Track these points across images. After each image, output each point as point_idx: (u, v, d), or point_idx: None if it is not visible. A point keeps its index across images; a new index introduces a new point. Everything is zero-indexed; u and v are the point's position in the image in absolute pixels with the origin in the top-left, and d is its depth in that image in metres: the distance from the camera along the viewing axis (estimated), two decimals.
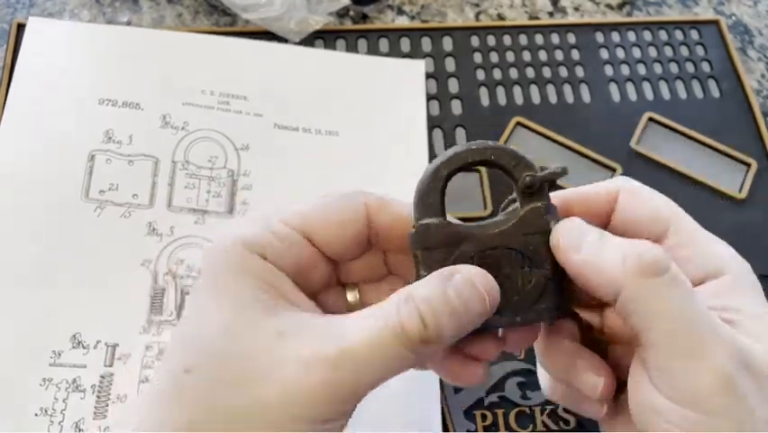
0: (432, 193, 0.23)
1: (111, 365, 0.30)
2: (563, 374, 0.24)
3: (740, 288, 0.22)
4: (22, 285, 0.31)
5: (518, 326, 0.23)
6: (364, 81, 0.40)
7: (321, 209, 0.23)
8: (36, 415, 0.29)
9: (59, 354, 0.30)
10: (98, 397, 0.30)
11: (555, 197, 0.24)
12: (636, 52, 0.44)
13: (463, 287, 0.20)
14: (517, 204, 0.23)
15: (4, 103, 0.39)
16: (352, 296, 0.25)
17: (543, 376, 0.27)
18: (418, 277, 0.22)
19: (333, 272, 0.24)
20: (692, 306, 0.20)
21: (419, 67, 0.41)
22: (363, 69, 0.40)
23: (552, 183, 0.23)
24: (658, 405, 0.21)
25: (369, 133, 0.38)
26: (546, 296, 0.23)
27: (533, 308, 0.22)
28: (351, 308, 0.24)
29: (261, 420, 0.19)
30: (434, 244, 0.22)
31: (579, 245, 0.22)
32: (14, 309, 0.30)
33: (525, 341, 0.24)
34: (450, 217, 0.23)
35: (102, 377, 0.30)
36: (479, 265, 0.22)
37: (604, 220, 0.24)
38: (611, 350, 0.25)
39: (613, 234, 0.22)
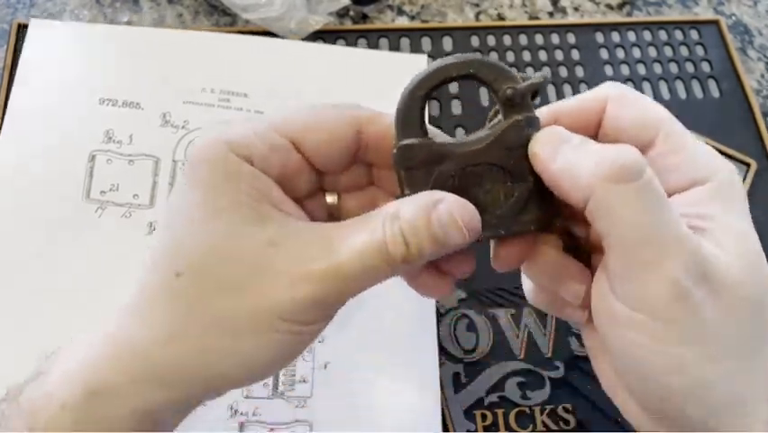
0: (412, 112, 0.23)
1: None
2: (547, 282, 0.24)
3: (720, 197, 0.22)
4: (22, 285, 0.31)
5: (502, 237, 0.23)
6: (365, 76, 0.40)
7: (312, 117, 0.23)
8: None
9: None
10: None
11: (543, 111, 0.24)
12: (636, 52, 0.45)
13: (446, 218, 0.21)
14: (500, 116, 0.23)
15: (5, 103, 0.39)
16: (331, 198, 0.24)
17: (526, 283, 0.27)
18: (402, 195, 0.22)
19: (317, 181, 0.24)
20: (660, 214, 0.20)
21: (421, 61, 0.41)
22: (364, 63, 0.40)
23: (534, 94, 0.23)
24: (614, 310, 0.21)
25: None
26: (529, 208, 0.23)
27: (516, 220, 0.23)
28: (331, 211, 0.24)
29: (248, 324, 0.20)
30: (415, 164, 0.22)
31: (556, 154, 0.22)
32: (15, 309, 0.31)
33: (513, 257, 0.24)
34: (435, 131, 0.23)
35: None
36: (460, 182, 0.22)
37: (593, 130, 0.24)
38: (594, 259, 0.25)
39: (595, 142, 0.22)
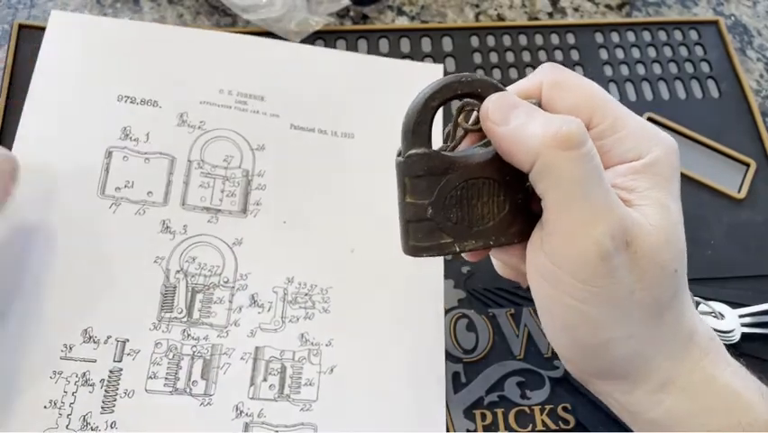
0: (421, 123, 0.24)
1: (120, 360, 0.30)
2: (513, 262, 0.26)
3: (649, 172, 0.24)
4: (36, 278, 0.31)
5: (489, 249, 0.25)
6: (382, 84, 0.40)
7: None
8: (45, 407, 0.29)
9: (71, 348, 0.30)
10: (106, 391, 0.30)
11: (491, 98, 0.24)
12: (636, 53, 0.45)
13: None
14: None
15: (6, 103, 0.39)
16: None
17: (495, 258, 0.29)
18: (404, 202, 0.24)
19: None
20: (595, 182, 0.22)
21: (437, 71, 0.41)
22: (381, 71, 0.40)
23: None
24: (541, 264, 0.23)
25: (384, 136, 0.38)
26: (517, 220, 0.25)
27: (504, 232, 0.24)
28: None
29: None
30: (422, 173, 0.24)
31: (507, 118, 0.23)
32: (28, 302, 0.31)
33: (483, 255, 0.28)
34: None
35: (111, 372, 0.30)
36: (462, 193, 0.24)
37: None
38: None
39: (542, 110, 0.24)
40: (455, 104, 0.25)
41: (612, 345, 0.23)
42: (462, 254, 0.25)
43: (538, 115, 0.23)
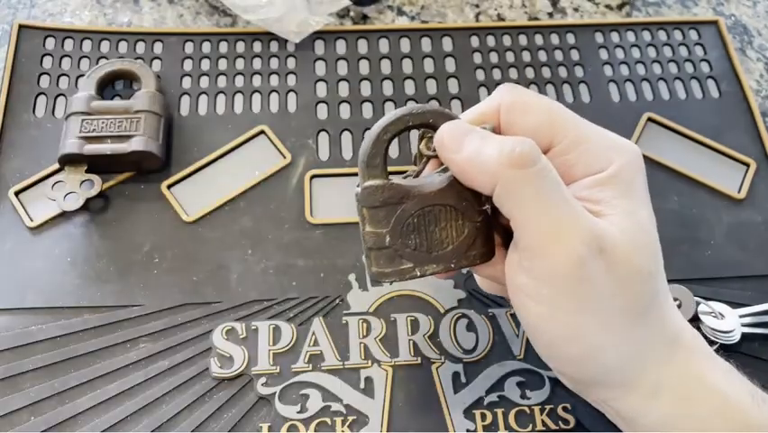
0: (375, 156, 0.25)
1: None
2: (492, 277, 0.27)
3: (612, 182, 0.24)
4: None
5: (453, 271, 0.26)
6: None
7: None
8: None
9: None
10: None
11: (450, 124, 0.25)
12: (636, 53, 0.45)
13: None
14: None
15: (6, 103, 0.39)
16: None
17: (476, 276, 0.30)
18: (364, 231, 0.25)
19: None
20: (556, 195, 0.23)
21: None
22: None
23: None
24: (521, 282, 0.24)
25: None
26: (476, 244, 0.26)
27: (464, 255, 0.26)
28: None
29: None
30: (378, 204, 0.25)
31: (461, 144, 0.24)
32: None
33: (452, 275, 0.29)
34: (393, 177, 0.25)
35: None
36: (418, 221, 0.25)
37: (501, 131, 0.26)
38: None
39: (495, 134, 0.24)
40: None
41: (599, 352, 0.24)
42: (429, 275, 0.26)
43: (491, 139, 0.24)
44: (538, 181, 0.23)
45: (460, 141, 0.24)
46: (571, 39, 0.45)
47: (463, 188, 0.25)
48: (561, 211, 0.23)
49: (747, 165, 0.40)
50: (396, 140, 0.40)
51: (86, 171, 0.36)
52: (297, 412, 0.31)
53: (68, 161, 0.36)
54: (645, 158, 0.40)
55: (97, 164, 0.36)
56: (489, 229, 0.26)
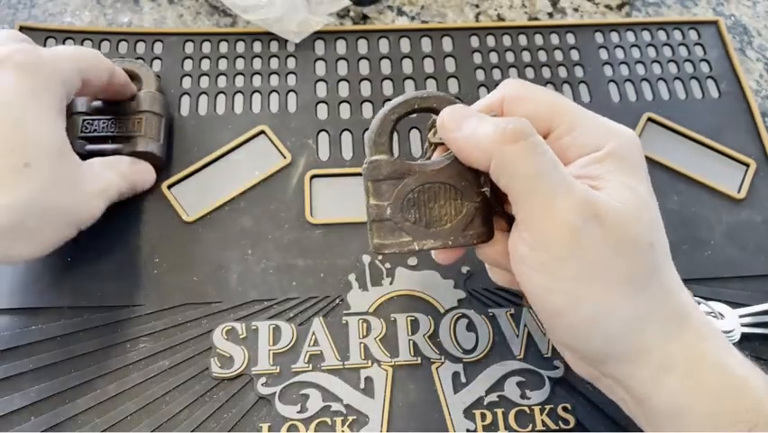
0: (382, 134, 0.27)
1: None
2: (499, 262, 0.28)
3: (609, 159, 0.25)
4: None
5: (449, 248, 0.27)
6: None
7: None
8: None
9: None
10: None
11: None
12: (636, 53, 0.45)
13: None
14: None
15: None
16: None
17: (488, 268, 0.30)
18: (368, 204, 0.27)
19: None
20: (548, 166, 0.24)
21: None
22: None
23: None
24: (521, 253, 0.25)
25: None
26: (474, 224, 0.27)
27: (462, 233, 0.27)
28: None
29: (73, 214, 0.31)
30: (382, 177, 0.27)
31: (461, 124, 0.25)
32: None
33: (453, 258, 0.29)
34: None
35: None
36: (419, 196, 0.27)
37: None
38: None
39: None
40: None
41: (600, 319, 0.24)
42: (434, 255, 0.28)
43: (488, 120, 0.25)
44: (530, 154, 0.24)
45: (459, 121, 0.26)
46: (570, 39, 0.45)
47: (463, 168, 0.26)
48: (552, 180, 0.24)
49: (747, 165, 0.40)
50: (396, 141, 0.40)
51: None
52: (297, 412, 0.31)
53: None
54: (645, 158, 0.40)
55: None
56: (488, 211, 0.27)
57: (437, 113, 0.27)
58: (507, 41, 0.44)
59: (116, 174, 0.34)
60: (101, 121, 0.36)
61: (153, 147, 0.36)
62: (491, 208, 0.27)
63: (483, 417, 0.32)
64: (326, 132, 0.40)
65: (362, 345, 0.33)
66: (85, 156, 0.35)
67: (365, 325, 0.34)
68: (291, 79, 0.42)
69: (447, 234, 0.27)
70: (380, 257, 0.32)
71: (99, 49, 0.42)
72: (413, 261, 0.35)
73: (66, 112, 0.31)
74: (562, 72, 0.43)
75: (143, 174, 0.36)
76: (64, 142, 0.30)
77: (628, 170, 0.25)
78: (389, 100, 0.41)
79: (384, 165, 0.27)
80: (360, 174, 0.38)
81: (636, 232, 0.24)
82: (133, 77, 0.39)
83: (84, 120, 0.36)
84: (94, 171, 0.33)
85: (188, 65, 0.42)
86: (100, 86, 0.34)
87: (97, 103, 0.37)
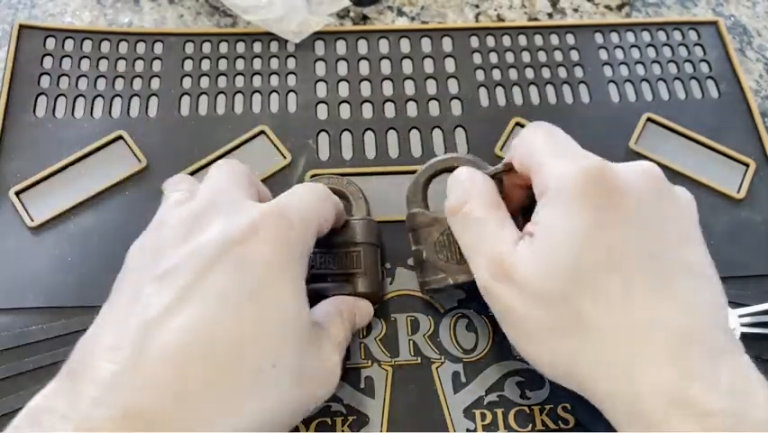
0: (416, 193, 0.33)
1: None
2: None
3: (549, 203, 0.26)
4: None
5: (469, 282, 0.30)
6: None
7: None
8: None
9: None
10: None
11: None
12: (635, 53, 0.45)
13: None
14: None
15: (7, 103, 0.39)
16: None
17: None
18: (412, 250, 0.33)
19: None
20: (474, 233, 0.28)
21: None
22: None
23: (500, 178, 0.31)
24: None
25: None
26: None
27: None
28: None
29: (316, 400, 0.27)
30: (418, 226, 0.32)
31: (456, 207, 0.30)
32: None
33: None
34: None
35: None
36: (445, 240, 0.31)
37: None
38: None
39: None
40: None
41: (540, 362, 0.26)
42: (461, 282, 0.31)
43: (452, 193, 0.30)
44: (460, 224, 0.29)
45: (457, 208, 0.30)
46: (570, 39, 0.45)
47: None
48: (474, 246, 0.28)
49: (747, 165, 0.40)
50: (396, 141, 0.40)
51: None
52: None
53: None
54: (645, 158, 0.40)
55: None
56: None
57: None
58: (506, 41, 0.44)
59: (345, 321, 0.29)
60: (318, 255, 0.32)
61: (376, 286, 0.33)
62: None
63: (483, 416, 0.32)
64: (326, 132, 0.40)
65: (362, 345, 0.33)
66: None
67: (365, 325, 0.34)
68: (291, 79, 0.42)
69: (467, 268, 0.30)
70: (427, 294, 0.34)
71: (99, 49, 0.42)
72: (413, 261, 0.35)
73: None
74: (562, 72, 0.43)
75: (364, 316, 0.32)
76: (308, 320, 0.26)
77: (556, 204, 0.25)
78: (389, 100, 0.41)
79: (419, 216, 0.32)
80: (359, 174, 0.38)
81: (547, 285, 0.24)
82: (340, 195, 0.35)
83: None
84: (329, 333, 0.28)
85: (189, 65, 0.42)
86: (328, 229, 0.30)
87: None
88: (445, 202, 0.30)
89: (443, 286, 0.31)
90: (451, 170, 0.32)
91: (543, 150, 0.27)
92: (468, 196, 0.29)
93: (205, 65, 0.42)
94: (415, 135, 0.40)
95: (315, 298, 0.32)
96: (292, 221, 0.25)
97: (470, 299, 0.35)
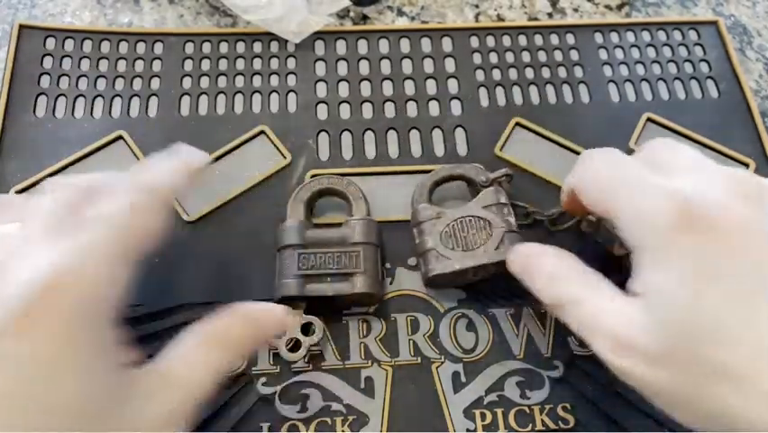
0: (422, 195, 0.35)
1: None
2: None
3: (649, 260, 0.24)
4: None
5: (487, 264, 0.32)
6: None
7: None
8: None
9: None
10: None
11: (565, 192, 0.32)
12: (635, 53, 0.45)
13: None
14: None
15: (7, 103, 0.39)
16: None
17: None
18: (415, 245, 0.34)
19: None
20: (588, 303, 0.26)
21: None
22: None
23: (499, 180, 0.35)
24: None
25: None
26: (504, 243, 0.32)
27: (495, 252, 0.32)
28: None
29: None
30: (423, 219, 0.34)
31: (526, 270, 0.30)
32: None
33: (498, 270, 0.32)
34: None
35: None
36: (453, 229, 0.33)
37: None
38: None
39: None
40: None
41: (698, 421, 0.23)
42: (467, 267, 0.32)
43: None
44: (563, 312, 0.27)
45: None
46: (570, 39, 0.45)
47: (489, 203, 0.34)
48: (580, 323, 0.26)
49: (746, 165, 0.40)
50: (396, 141, 0.40)
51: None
52: (298, 412, 0.31)
53: (288, 301, 0.33)
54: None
55: (314, 304, 0.33)
56: (515, 233, 0.33)
57: (463, 178, 0.36)
58: (506, 41, 0.44)
59: (212, 350, 0.25)
60: (318, 255, 0.33)
61: (376, 286, 0.33)
62: (515, 231, 0.33)
63: (483, 416, 0.32)
64: (326, 132, 0.40)
65: (362, 345, 0.33)
66: (304, 298, 0.32)
67: (365, 325, 0.34)
68: (291, 79, 0.42)
69: (481, 255, 0.32)
70: (429, 285, 0.34)
71: (99, 49, 0.42)
72: (413, 261, 0.35)
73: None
74: (562, 72, 0.43)
75: (275, 323, 0.27)
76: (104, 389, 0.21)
77: (659, 257, 0.23)
78: (389, 100, 0.41)
79: (424, 210, 0.34)
80: (359, 174, 0.38)
81: (670, 356, 0.22)
82: (341, 195, 0.36)
83: (300, 254, 0.33)
84: (170, 379, 0.24)
85: (189, 65, 0.42)
86: None
87: (311, 234, 0.34)
88: (542, 299, 0.28)
89: (449, 271, 0.32)
90: (456, 178, 0.35)
91: (613, 186, 0.25)
92: (559, 288, 0.26)
93: (205, 65, 0.42)
94: (415, 135, 0.40)
95: (314, 298, 0.32)
96: (77, 284, 0.21)
97: (470, 299, 0.35)
